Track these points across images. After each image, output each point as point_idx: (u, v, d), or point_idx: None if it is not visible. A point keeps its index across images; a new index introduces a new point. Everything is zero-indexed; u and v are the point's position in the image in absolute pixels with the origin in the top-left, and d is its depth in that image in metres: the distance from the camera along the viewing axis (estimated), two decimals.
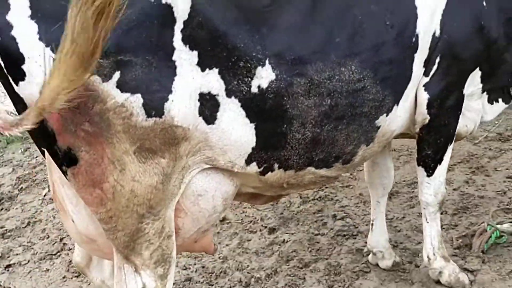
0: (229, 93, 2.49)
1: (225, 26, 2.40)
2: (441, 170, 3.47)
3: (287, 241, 4.59)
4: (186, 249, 2.96)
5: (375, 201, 4.01)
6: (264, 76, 2.52)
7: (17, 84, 2.20)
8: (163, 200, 2.49)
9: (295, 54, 2.57)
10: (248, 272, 4.26)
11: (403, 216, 4.70)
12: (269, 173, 2.77)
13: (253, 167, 2.70)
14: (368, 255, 4.15)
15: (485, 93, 3.57)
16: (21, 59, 2.15)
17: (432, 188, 3.51)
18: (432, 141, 3.31)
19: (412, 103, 3.18)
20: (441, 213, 4.70)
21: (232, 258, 4.45)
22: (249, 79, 2.50)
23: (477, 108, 3.56)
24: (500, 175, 5.14)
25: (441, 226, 4.49)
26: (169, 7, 2.28)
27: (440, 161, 3.42)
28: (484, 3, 3.20)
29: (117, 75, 2.23)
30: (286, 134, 2.67)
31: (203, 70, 2.41)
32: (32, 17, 2.13)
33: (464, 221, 4.51)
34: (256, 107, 2.55)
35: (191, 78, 2.39)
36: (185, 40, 2.33)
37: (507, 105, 3.82)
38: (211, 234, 2.95)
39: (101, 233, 2.56)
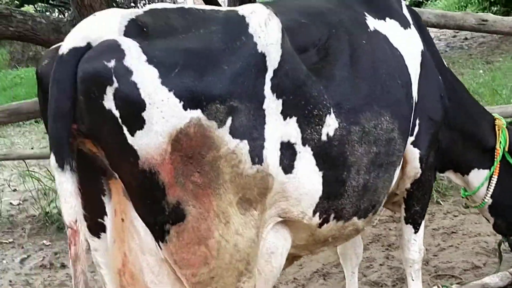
0: (304, 142, 2.55)
1: (303, 76, 2.52)
2: (423, 226, 3.75)
3: None
4: None
5: (349, 273, 4.12)
6: (331, 124, 2.64)
7: (133, 134, 2.07)
8: (256, 255, 2.42)
9: (350, 103, 2.74)
10: None
11: None
12: (325, 224, 2.80)
13: (316, 218, 2.72)
14: None
15: None
16: (142, 106, 2.05)
17: (417, 244, 3.74)
18: (420, 196, 3.59)
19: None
20: (381, 286, 4.99)
21: None
22: (320, 127, 2.59)
23: None
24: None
25: None
26: (263, 56, 2.34)
27: (423, 216, 3.70)
28: (440, 77, 3.69)
29: (229, 120, 2.21)
30: (345, 181, 2.76)
31: (284, 118, 2.46)
32: (149, 62, 2.08)
33: None
34: (324, 155, 2.63)
35: (275, 127, 2.43)
36: (273, 89, 2.39)
37: None
38: None
39: None
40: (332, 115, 2.65)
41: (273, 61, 2.38)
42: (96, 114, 2.07)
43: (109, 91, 2.03)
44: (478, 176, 4.05)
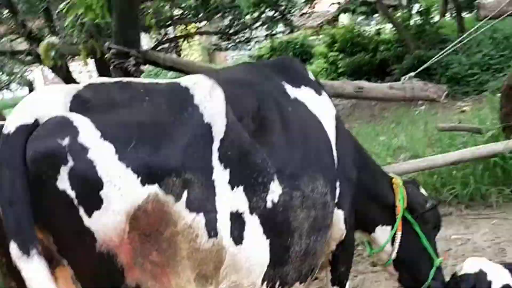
0: (251, 210, 2.50)
1: (247, 144, 2.50)
2: (348, 286, 3.77)
3: None
4: None
5: None
6: (275, 191, 2.61)
7: (90, 215, 1.93)
8: None
9: (290, 169, 2.74)
10: None
11: None
12: None
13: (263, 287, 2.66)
14: None
15: None
16: (99, 184, 1.93)
17: None
18: (345, 257, 3.62)
19: None
20: None
21: None
22: (265, 194, 2.56)
23: None
24: None
25: None
26: (209, 126, 2.31)
27: (348, 276, 3.73)
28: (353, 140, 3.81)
29: (185, 194, 2.14)
30: (289, 247, 2.73)
31: (232, 188, 2.41)
32: (104, 138, 1.97)
33: None
34: (270, 222, 2.59)
35: (225, 197, 2.37)
36: (220, 159, 2.35)
37: None
38: None
39: None
40: (276, 181, 2.64)
41: (219, 131, 2.35)
42: (47, 196, 1.91)
43: (64, 171, 1.89)
44: (383, 233, 4.16)
